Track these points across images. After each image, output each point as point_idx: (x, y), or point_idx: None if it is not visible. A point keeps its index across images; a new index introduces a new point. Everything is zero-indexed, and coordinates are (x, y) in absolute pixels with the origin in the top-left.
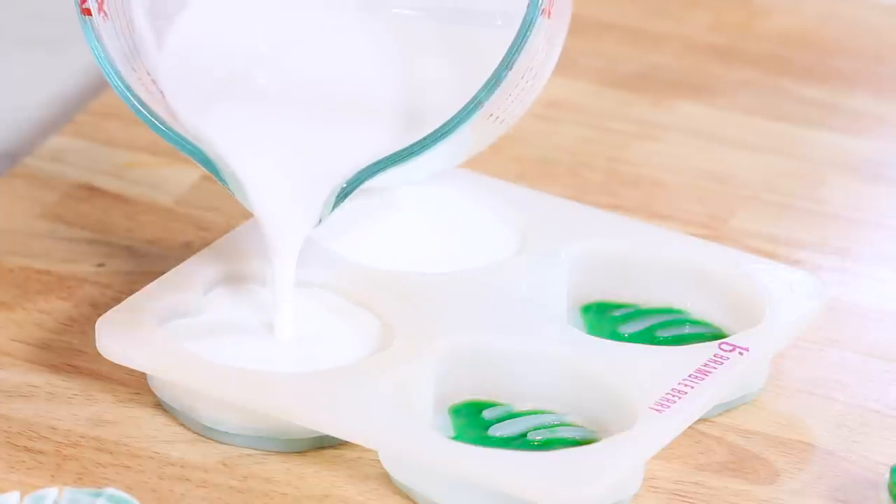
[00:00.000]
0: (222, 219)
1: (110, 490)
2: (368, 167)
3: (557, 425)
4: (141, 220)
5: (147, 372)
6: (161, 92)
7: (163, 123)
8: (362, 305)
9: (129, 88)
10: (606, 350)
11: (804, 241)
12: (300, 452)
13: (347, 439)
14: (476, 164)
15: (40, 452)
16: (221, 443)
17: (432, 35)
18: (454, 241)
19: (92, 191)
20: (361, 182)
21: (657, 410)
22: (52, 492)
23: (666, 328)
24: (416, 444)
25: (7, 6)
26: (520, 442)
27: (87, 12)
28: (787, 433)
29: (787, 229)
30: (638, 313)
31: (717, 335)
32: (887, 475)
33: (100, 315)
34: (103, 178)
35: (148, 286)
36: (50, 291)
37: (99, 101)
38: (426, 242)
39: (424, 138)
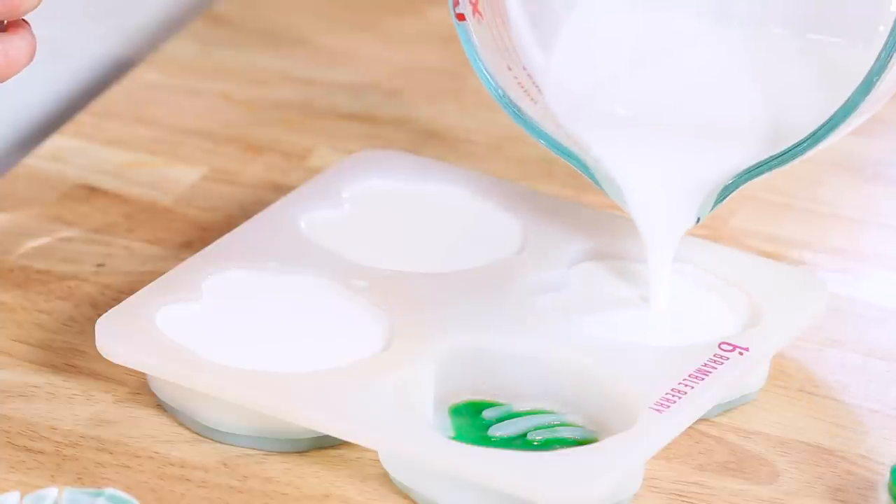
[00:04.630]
0: (222, 219)
1: (110, 490)
2: (747, 171)
3: (557, 425)
4: (141, 220)
5: (147, 372)
6: (538, 88)
7: (537, 126)
8: (362, 305)
9: (503, 92)
10: (606, 350)
11: (804, 240)
12: (300, 452)
13: (347, 439)
14: (476, 163)
15: (40, 452)
16: (221, 443)
17: (790, 47)
18: (454, 241)
19: (92, 191)
20: (739, 185)
21: (657, 410)
22: (51, 492)
23: None
24: (416, 444)
25: None
26: (520, 442)
27: (461, 17)
28: (787, 433)
29: (787, 229)
30: None
31: None
32: (887, 475)
33: (100, 315)
34: (103, 178)
35: (148, 286)
36: (50, 291)
37: (99, 101)
38: (426, 242)
39: (798, 144)
